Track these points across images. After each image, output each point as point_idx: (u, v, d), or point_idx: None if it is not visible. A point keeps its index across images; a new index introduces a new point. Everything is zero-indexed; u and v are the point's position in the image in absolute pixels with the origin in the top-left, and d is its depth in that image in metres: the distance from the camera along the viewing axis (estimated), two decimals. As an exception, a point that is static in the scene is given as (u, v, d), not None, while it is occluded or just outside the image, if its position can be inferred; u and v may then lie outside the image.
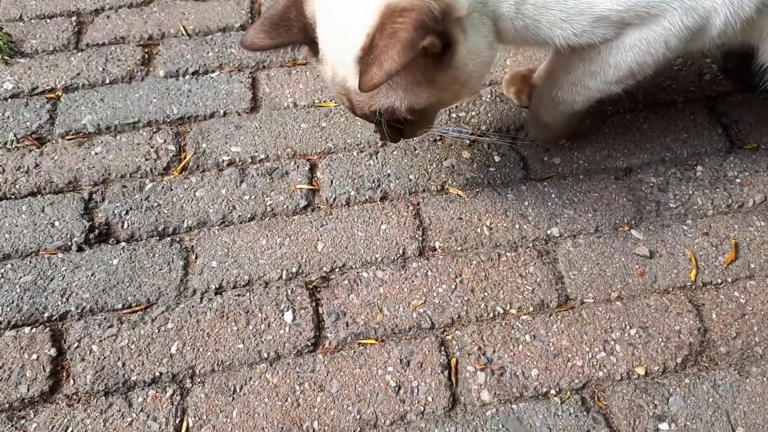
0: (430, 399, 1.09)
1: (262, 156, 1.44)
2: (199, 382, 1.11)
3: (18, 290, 1.22)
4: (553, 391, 1.10)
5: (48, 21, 1.74)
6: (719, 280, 1.23)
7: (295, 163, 1.43)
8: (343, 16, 1.03)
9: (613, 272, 1.24)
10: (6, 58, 1.62)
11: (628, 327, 1.17)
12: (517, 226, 1.31)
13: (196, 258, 1.27)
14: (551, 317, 1.19)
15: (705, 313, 1.19)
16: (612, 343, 1.15)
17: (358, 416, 1.07)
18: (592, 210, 1.34)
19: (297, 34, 1.09)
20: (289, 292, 1.23)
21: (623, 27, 1.11)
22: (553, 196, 1.36)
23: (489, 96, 1.55)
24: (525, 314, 1.19)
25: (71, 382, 1.12)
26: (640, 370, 1.12)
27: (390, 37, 0.92)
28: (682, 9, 1.09)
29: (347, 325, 1.18)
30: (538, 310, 1.20)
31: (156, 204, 1.35)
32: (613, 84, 1.24)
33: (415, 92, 1.05)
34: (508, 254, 1.27)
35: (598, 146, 1.45)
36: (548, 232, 1.31)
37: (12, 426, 1.07)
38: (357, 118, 1.21)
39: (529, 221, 1.32)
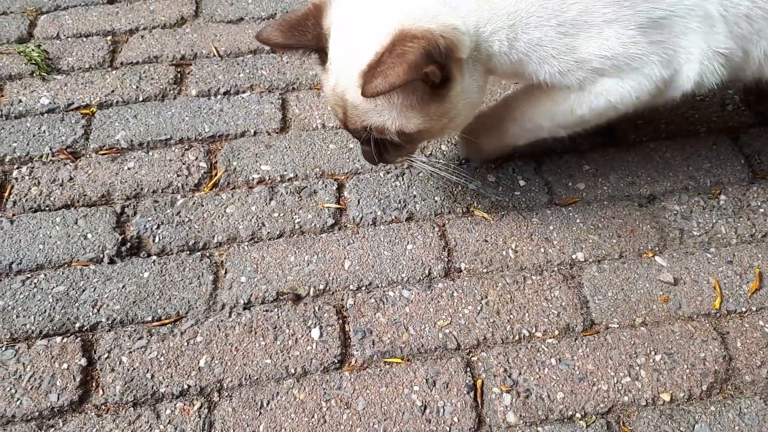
0: (455, 420, 1.10)
1: (291, 175, 1.47)
2: (226, 396, 1.12)
3: (50, 300, 1.24)
4: (578, 415, 1.10)
5: (84, 39, 1.79)
6: (744, 309, 1.24)
7: (323, 182, 1.46)
8: (358, 33, 1.11)
9: (638, 298, 1.25)
10: (43, 74, 1.67)
11: (653, 353, 1.17)
12: (542, 250, 1.33)
13: (226, 273, 1.29)
14: (576, 341, 1.19)
15: (730, 341, 1.19)
16: (637, 368, 1.15)
17: (384, 434, 1.08)
18: (617, 236, 1.35)
19: (310, 40, 1.16)
20: (317, 309, 1.24)
21: (602, 75, 1.18)
22: (578, 221, 1.38)
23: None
24: (550, 337, 1.20)
25: (101, 392, 1.13)
26: (666, 396, 1.12)
27: (398, 56, 1.01)
28: (660, 63, 1.16)
29: (373, 344, 1.19)
30: (564, 334, 1.21)
31: (187, 219, 1.37)
32: (566, 128, 1.32)
33: (408, 117, 1.13)
34: (533, 277, 1.29)
35: (622, 173, 1.46)
36: (573, 256, 1.32)
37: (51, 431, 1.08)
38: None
39: (554, 245, 1.34)
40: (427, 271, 1.30)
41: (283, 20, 1.18)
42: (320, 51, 1.18)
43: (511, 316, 1.23)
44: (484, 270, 1.30)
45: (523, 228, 1.37)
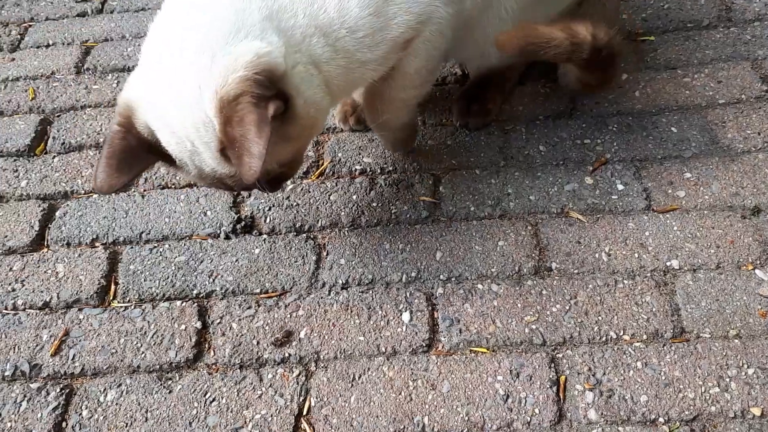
0: (537, 411, 1.14)
1: (390, 168, 1.55)
2: (322, 367, 1.22)
3: (173, 268, 1.39)
4: (661, 419, 1.11)
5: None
6: None
7: (420, 176, 1.53)
8: (184, 122, 1.06)
9: (733, 310, 1.23)
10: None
11: (745, 366, 1.15)
12: (636, 255, 1.33)
13: (327, 254, 1.39)
14: (665, 347, 1.19)
15: (832, 362, 1.15)
16: (727, 379, 1.14)
17: (467, 418, 1.13)
18: (715, 246, 1.33)
19: (148, 157, 1.13)
20: (408, 294, 1.31)
21: (410, 42, 1.23)
22: (675, 228, 1.37)
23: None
24: (638, 341, 1.21)
25: (212, 353, 1.26)
26: (756, 411, 1.10)
27: (240, 125, 0.98)
28: (443, 3, 1.22)
29: (460, 332, 1.25)
30: (652, 339, 1.21)
31: (295, 203, 1.49)
32: (420, 87, 1.39)
33: (280, 151, 1.12)
34: (625, 281, 1.29)
35: (726, 183, 1.43)
36: (668, 263, 1.31)
37: (161, 385, 1.22)
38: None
39: (648, 251, 1.33)
40: (517, 268, 1.34)
41: (110, 159, 1.09)
42: (163, 157, 1.13)
43: (599, 318, 1.25)
44: (575, 271, 1.32)
45: (618, 232, 1.38)
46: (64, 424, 1.19)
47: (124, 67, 1.89)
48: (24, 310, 1.35)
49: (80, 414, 1.19)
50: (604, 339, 1.22)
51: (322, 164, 1.57)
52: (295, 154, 1.24)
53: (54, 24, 2.08)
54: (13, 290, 1.39)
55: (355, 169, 1.55)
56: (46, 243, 1.47)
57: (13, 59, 1.96)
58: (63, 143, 1.69)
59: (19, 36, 2.05)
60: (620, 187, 1.46)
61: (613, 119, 1.59)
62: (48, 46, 2.00)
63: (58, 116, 1.77)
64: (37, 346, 1.29)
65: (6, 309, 1.36)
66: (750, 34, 1.75)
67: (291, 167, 1.26)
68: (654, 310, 1.25)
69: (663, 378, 1.15)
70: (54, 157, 1.66)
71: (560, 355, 1.20)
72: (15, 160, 1.66)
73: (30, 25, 2.09)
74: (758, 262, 1.30)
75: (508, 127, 1.61)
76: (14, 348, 1.29)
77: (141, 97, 1.10)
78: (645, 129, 1.56)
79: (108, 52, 1.94)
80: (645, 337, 1.21)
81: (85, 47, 1.98)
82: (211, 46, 1.04)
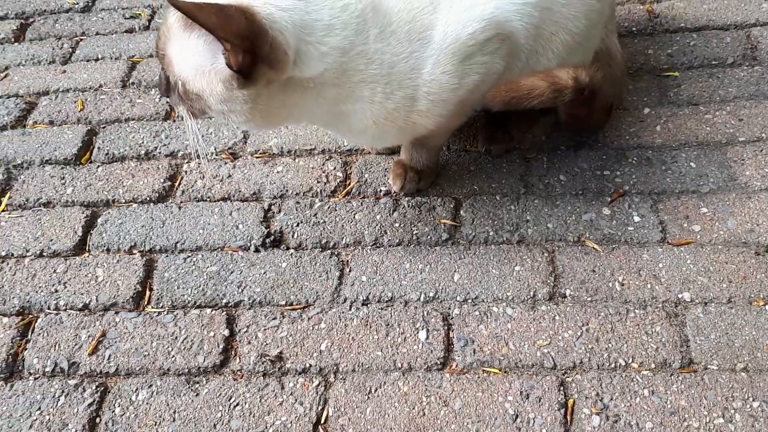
0: (544, 431, 1.18)
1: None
2: (341, 378, 1.28)
3: (205, 277, 1.47)
4: (665, 447, 1.15)
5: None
6: None
7: (442, 200, 1.59)
8: None
9: (742, 344, 1.26)
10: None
11: (751, 399, 1.19)
12: (648, 286, 1.37)
13: (350, 271, 1.46)
14: (672, 377, 1.23)
15: (838, 400, 1.18)
16: (732, 411, 1.17)
17: (476, 435, 1.19)
18: (728, 281, 1.36)
19: None
20: (425, 313, 1.37)
21: None
22: (688, 261, 1.41)
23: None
24: (646, 370, 1.25)
25: (238, 360, 1.33)
26: (759, 444, 1.13)
27: (221, 8, 1.02)
28: (500, 58, 1.32)
29: (474, 352, 1.30)
30: (660, 368, 1.25)
31: (322, 221, 1.56)
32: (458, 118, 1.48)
33: (193, 76, 1.14)
34: (636, 311, 1.34)
35: (742, 220, 1.47)
36: (679, 295, 1.35)
37: (188, 388, 1.30)
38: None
39: (661, 282, 1.37)
40: (532, 293, 1.39)
41: None
42: None
43: (610, 345, 1.29)
44: (588, 299, 1.37)
45: (633, 263, 1.42)
46: (97, 419, 1.27)
47: (166, 83, 2.00)
48: (65, 310, 1.45)
49: (113, 411, 1.27)
50: (613, 366, 1.26)
51: (349, 184, 1.65)
52: (192, 96, 1.19)
53: (103, 39, 2.21)
54: (56, 291, 1.48)
55: (380, 190, 1.62)
56: (87, 248, 1.57)
57: (64, 71, 2.08)
58: (107, 153, 1.79)
59: (70, 49, 2.18)
60: (636, 218, 1.50)
61: (633, 152, 1.64)
62: (97, 60, 2.12)
63: (104, 127, 1.88)
64: (75, 345, 1.38)
65: (49, 309, 1.45)
66: (773, 73, 1.78)
67: (184, 100, 1.22)
68: (663, 340, 1.28)
69: (669, 406, 1.19)
70: (98, 166, 1.76)
71: (570, 379, 1.25)
72: (62, 168, 1.77)
73: (81, 39, 2.22)
74: (769, 298, 1.33)
75: (530, 156, 1.67)
76: (55, 346, 1.38)
77: None
78: (664, 163, 1.60)
79: (152, 68, 2.05)
80: (653, 366, 1.25)
81: (131, 62, 2.09)
82: None
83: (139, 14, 2.29)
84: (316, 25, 1.13)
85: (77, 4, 2.37)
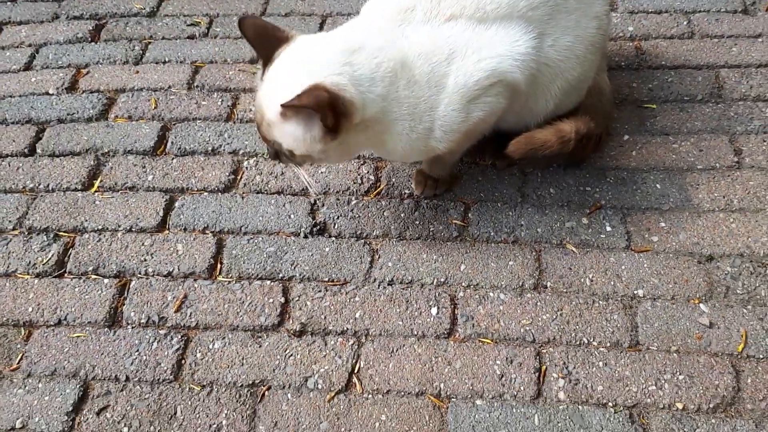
0: (522, 388, 1.58)
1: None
2: (370, 340, 1.68)
3: (264, 255, 1.86)
4: (610, 404, 1.54)
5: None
6: (761, 356, 1.60)
7: (454, 203, 1.97)
8: (289, 76, 1.50)
9: (677, 332, 1.65)
10: (267, 91, 2.30)
11: (678, 373, 1.58)
12: (611, 283, 1.76)
13: (378, 258, 1.85)
14: (621, 353, 1.63)
15: (742, 377, 1.57)
16: (662, 381, 1.57)
17: (471, 387, 1.59)
18: (673, 282, 1.75)
19: (263, 50, 1.56)
20: (437, 294, 1.76)
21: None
22: (645, 265, 1.79)
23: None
24: (603, 347, 1.64)
25: (291, 321, 1.73)
26: (679, 405, 1.53)
27: (310, 93, 1.42)
28: (505, 98, 1.69)
29: (473, 326, 1.70)
30: (613, 347, 1.64)
31: (357, 215, 1.95)
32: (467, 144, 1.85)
33: (298, 145, 1.54)
34: (600, 302, 1.73)
35: (691, 234, 1.85)
36: (635, 292, 1.74)
37: (253, 341, 1.70)
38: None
39: (622, 281, 1.76)
40: (520, 283, 1.78)
41: (265, 26, 1.58)
42: (265, 62, 1.56)
43: (577, 327, 1.68)
44: (564, 290, 1.76)
45: (601, 264, 1.80)
46: (183, 361, 1.67)
47: (226, 88, 2.36)
48: (153, 276, 1.84)
49: (195, 355, 1.68)
50: (578, 343, 1.66)
51: (379, 186, 2.03)
52: (300, 157, 1.60)
53: (168, 43, 2.56)
54: (145, 261, 1.87)
55: (405, 193, 2.00)
56: (167, 226, 1.96)
57: (137, 72, 2.44)
58: (179, 147, 2.17)
59: (141, 51, 2.53)
60: (608, 228, 1.88)
61: (611, 172, 2.01)
62: (165, 62, 2.48)
63: (175, 125, 2.25)
64: (163, 304, 1.78)
65: (140, 274, 1.84)
66: (734, 111, 2.14)
67: (292, 160, 1.63)
68: (618, 325, 1.68)
69: (616, 375, 1.59)
70: (173, 158, 2.14)
71: (544, 351, 1.64)
72: (142, 158, 2.14)
73: (150, 42, 2.57)
74: (704, 297, 1.72)
75: (527, 171, 2.04)
76: (147, 303, 1.78)
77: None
78: (635, 183, 1.98)
79: (213, 73, 2.41)
80: (608, 344, 1.65)
81: (194, 66, 2.45)
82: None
83: (199, 22, 2.63)
84: (363, 78, 1.51)
85: (144, 9, 2.71)
